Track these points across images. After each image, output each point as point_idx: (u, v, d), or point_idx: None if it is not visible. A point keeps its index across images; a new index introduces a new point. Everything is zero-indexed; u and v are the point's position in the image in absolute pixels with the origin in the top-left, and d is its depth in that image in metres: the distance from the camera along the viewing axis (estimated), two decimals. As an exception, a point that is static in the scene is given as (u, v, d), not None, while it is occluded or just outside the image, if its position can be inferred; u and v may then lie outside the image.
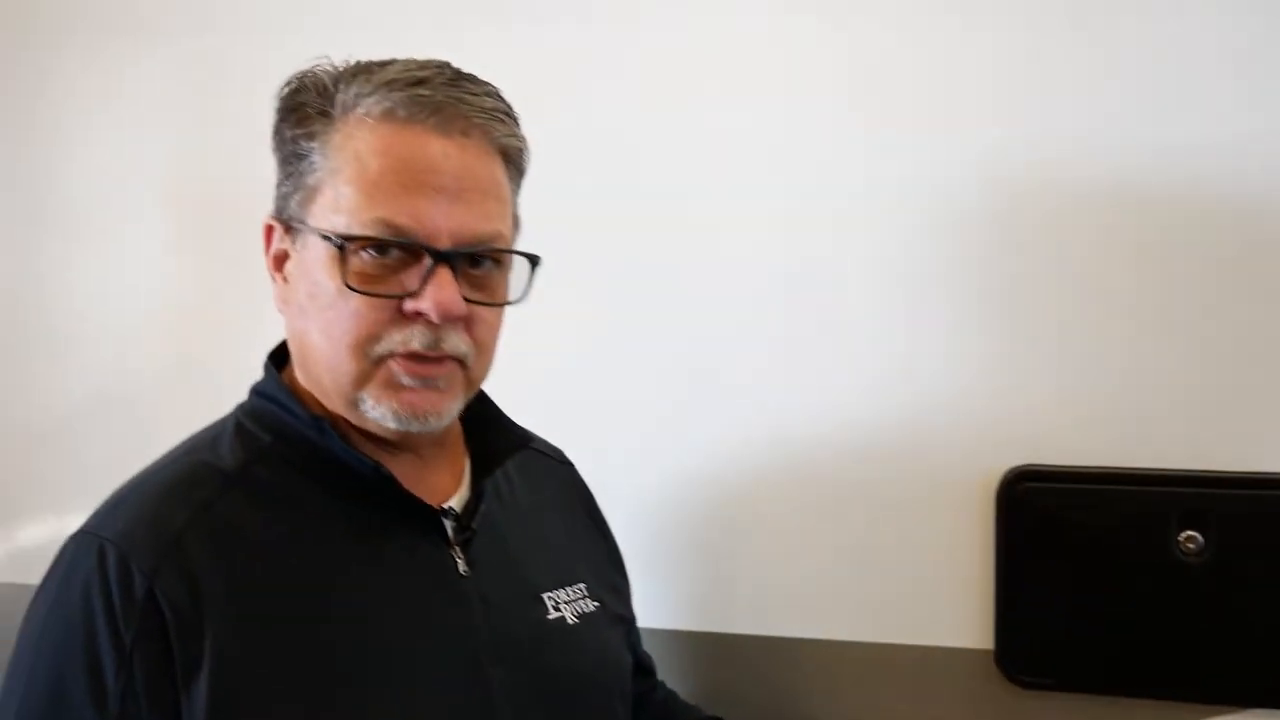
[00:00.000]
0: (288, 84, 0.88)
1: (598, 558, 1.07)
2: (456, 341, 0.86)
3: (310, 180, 0.85)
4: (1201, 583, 1.13)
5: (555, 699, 0.93)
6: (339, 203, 0.83)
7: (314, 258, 0.85)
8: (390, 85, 0.84)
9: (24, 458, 1.56)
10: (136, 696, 0.78)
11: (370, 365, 0.85)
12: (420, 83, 0.83)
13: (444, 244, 0.84)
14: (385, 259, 0.84)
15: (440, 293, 0.83)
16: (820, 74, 1.24)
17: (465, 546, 0.92)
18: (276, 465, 0.88)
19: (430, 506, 0.90)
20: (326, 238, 0.83)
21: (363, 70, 0.86)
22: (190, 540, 0.82)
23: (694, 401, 1.28)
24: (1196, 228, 1.14)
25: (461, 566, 0.91)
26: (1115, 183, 1.15)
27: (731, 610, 1.28)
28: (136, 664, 0.78)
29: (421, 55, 0.88)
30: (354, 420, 0.89)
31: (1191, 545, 1.13)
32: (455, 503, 0.95)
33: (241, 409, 0.93)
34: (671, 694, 1.19)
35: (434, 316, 0.84)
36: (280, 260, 0.89)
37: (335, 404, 0.89)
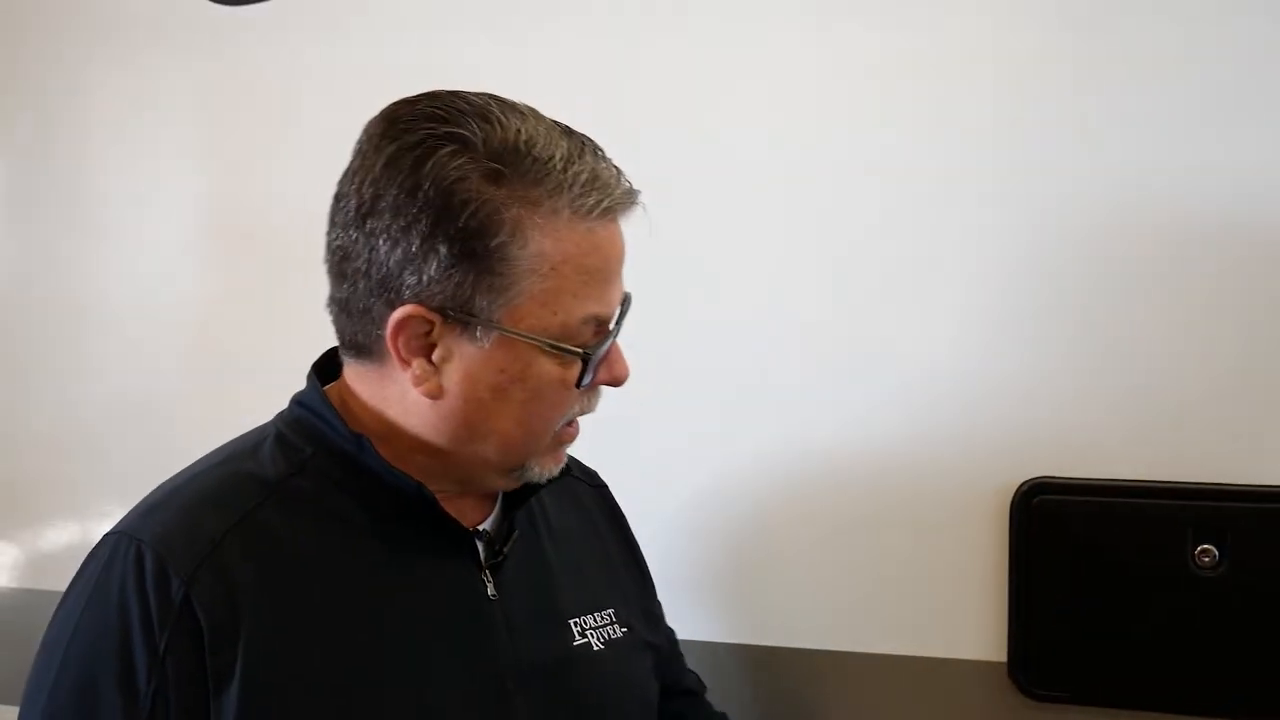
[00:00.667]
0: (435, 177, 0.82)
1: (628, 582, 1.08)
2: None
3: (504, 282, 0.83)
4: (1217, 596, 1.13)
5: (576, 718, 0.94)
6: (553, 307, 0.84)
7: (514, 356, 0.85)
8: (583, 184, 0.84)
9: (48, 463, 1.58)
10: (166, 701, 0.79)
11: (554, 439, 0.91)
12: (597, 176, 0.85)
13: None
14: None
15: (624, 365, 0.91)
16: (856, 78, 1.24)
17: (495, 569, 0.93)
18: (316, 478, 0.89)
19: (464, 528, 0.91)
20: (556, 347, 0.85)
21: (529, 160, 0.83)
22: (228, 549, 0.83)
23: (716, 420, 1.29)
24: (1213, 243, 1.14)
25: (490, 589, 0.92)
26: (1134, 199, 1.15)
27: (751, 622, 1.29)
28: (169, 668, 0.79)
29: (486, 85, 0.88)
30: (490, 482, 0.93)
31: (1207, 559, 1.13)
32: (488, 525, 0.95)
33: (282, 418, 0.94)
34: (723, 718, 1.17)
35: (620, 384, 0.91)
36: (425, 349, 0.85)
37: (478, 470, 0.91)
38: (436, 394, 0.86)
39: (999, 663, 1.20)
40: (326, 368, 0.95)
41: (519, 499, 0.96)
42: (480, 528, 0.94)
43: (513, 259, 0.82)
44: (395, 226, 0.82)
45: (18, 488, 1.60)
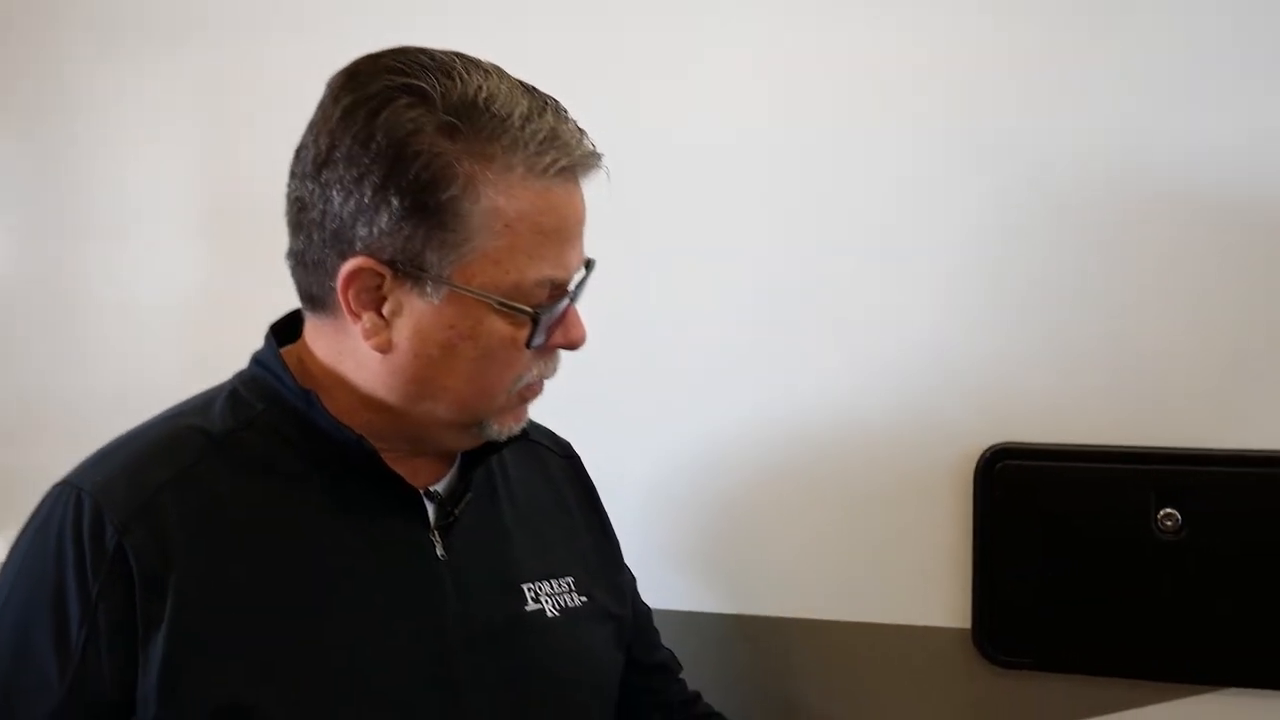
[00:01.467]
0: (388, 128, 0.81)
1: (593, 554, 1.06)
2: None
3: (456, 237, 0.82)
4: (1179, 560, 1.13)
5: (523, 688, 0.92)
6: (505, 265, 0.83)
7: (465, 313, 0.84)
8: (540, 141, 0.82)
9: (49, 458, 1.57)
10: (97, 647, 0.80)
11: (510, 399, 0.90)
12: (556, 135, 0.83)
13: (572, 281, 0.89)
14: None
15: (580, 328, 0.91)
16: (822, 64, 1.24)
17: (446, 531, 0.92)
18: (264, 433, 0.88)
19: (411, 486, 0.90)
20: (508, 305, 0.84)
21: (487, 115, 0.82)
22: (166, 500, 0.83)
23: (685, 392, 1.29)
24: (1170, 210, 1.13)
25: (439, 549, 0.91)
26: (1091, 169, 1.15)
27: (718, 590, 1.29)
28: (100, 614, 0.80)
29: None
30: (449, 440, 0.92)
31: (1169, 523, 1.13)
32: (441, 487, 0.94)
33: (239, 376, 0.94)
34: (696, 699, 1.16)
35: (576, 349, 0.91)
36: (375, 302, 0.85)
37: (435, 429, 0.90)
38: (386, 348, 0.85)
39: (964, 629, 1.20)
40: (291, 329, 0.94)
41: (477, 459, 0.95)
42: (432, 488, 0.93)
43: (465, 214, 0.82)
44: (348, 177, 0.82)
45: (18, 480, 1.60)
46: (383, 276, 0.83)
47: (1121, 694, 1.16)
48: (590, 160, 0.86)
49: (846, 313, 1.23)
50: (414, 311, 0.84)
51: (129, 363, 1.55)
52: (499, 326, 0.85)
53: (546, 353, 0.90)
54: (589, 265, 0.91)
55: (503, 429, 0.91)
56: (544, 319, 0.86)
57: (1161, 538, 1.13)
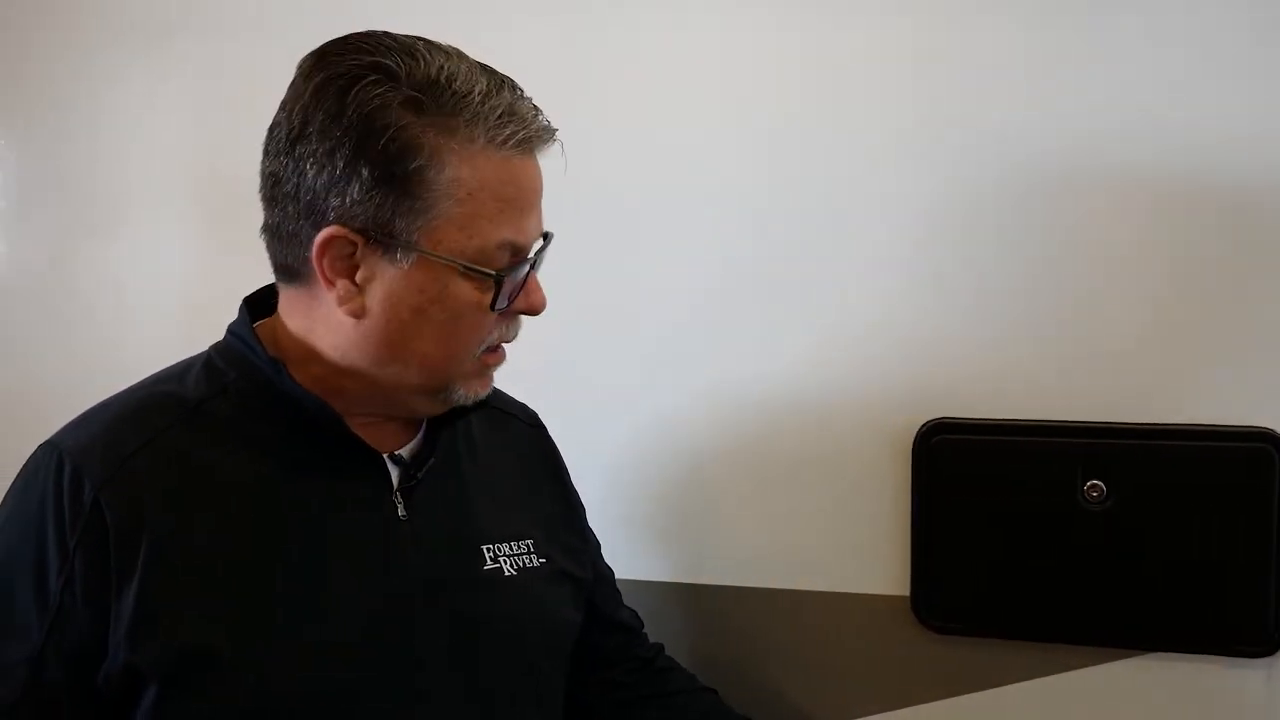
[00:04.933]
0: (358, 104, 0.87)
1: (554, 518, 1.11)
2: None
3: (423, 205, 0.88)
4: (1105, 529, 1.18)
5: (478, 644, 0.98)
6: (469, 231, 0.89)
7: (433, 278, 0.90)
8: (499, 116, 0.89)
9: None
10: (74, 594, 0.86)
11: (475, 363, 0.96)
12: (514, 110, 0.90)
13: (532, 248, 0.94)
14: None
15: (540, 293, 0.97)
16: (783, 40, 1.29)
17: (409, 493, 0.98)
18: (235, 401, 0.94)
19: (374, 450, 0.96)
20: (474, 270, 0.90)
21: (449, 92, 0.88)
22: (140, 462, 0.89)
23: (637, 368, 1.35)
24: (1103, 192, 1.18)
25: (400, 510, 0.96)
26: (1036, 152, 1.20)
27: (664, 560, 1.35)
28: (77, 565, 0.86)
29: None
30: (417, 405, 0.97)
31: (1095, 494, 1.18)
32: (406, 451, 1.00)
33: (215, 346, 1.00)
34: (658, 654, 1.22)
35: (537, 313, 0.97)
36: (349, 269, 0.90)
37: (403, 394, 0.95)
38: (360, 314, 0.91)
39: (903, 597, 1.25)
40: (267, 304, 1.00)
41: (443, 424, 1.01)
42: (397, 452, 0.99)
43: (430, 183, 0.88)
44: (321, 151, 0.88)
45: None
46: (355, 244, 0.89)
47: (1055, 658, 1.21)
48: (545, 134, 0.93)
49: (795, 290, 1.28)
50: (385, 277, 0.90)
51: (125, 352, 1.58)
52: (465, 290, 0.91)
53: (508, 317, 0.96)
54: (547, 237, 0.97)
55: (468, 393, 0.97)
56: (507, 282, 0.92)
57: (1088, 507, 1.18)
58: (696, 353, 1.32)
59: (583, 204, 1.34)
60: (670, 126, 1.33)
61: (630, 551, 1.34)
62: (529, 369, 1.24)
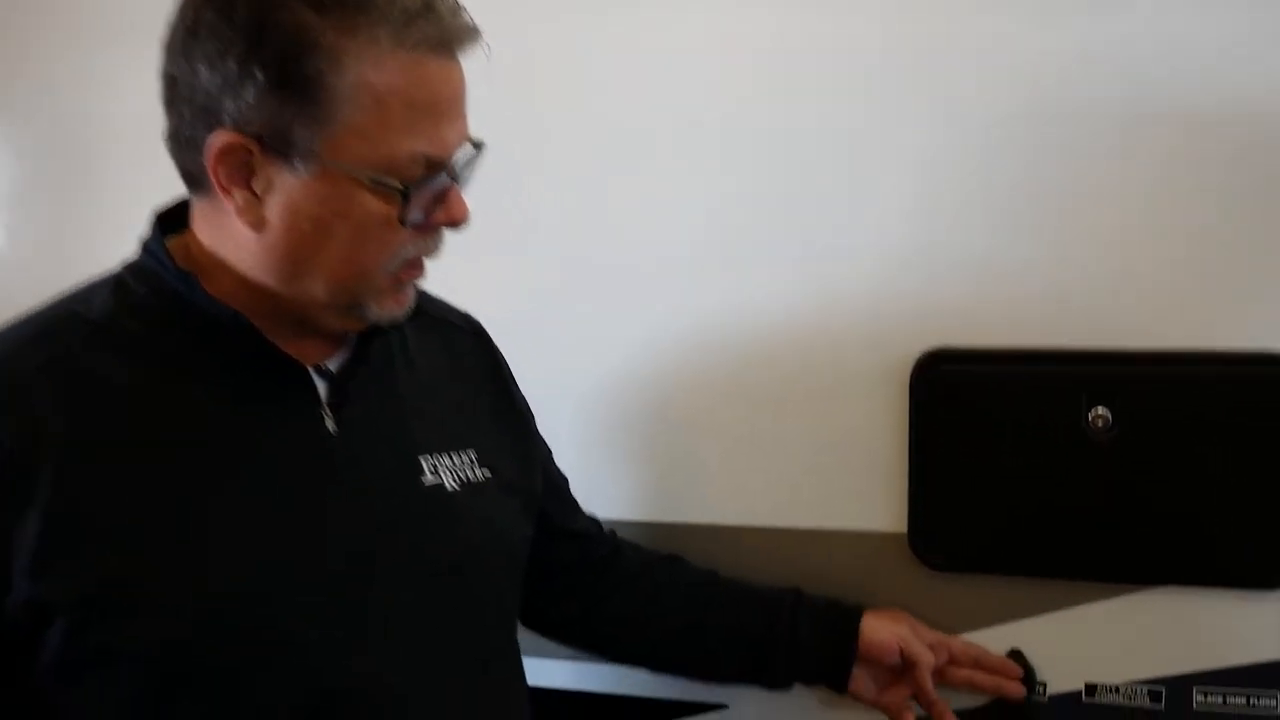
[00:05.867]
0: (250, 1, 0.81)
1: (501, 428, 1.06)
2: None
3: (325, 112, 0.82)
4: (1111, 459, 1.13)
5: (421, 562, 0.93)
6: (375, 141, 0.83)
7: (336, 189, 0.84)
8: (409, 13, 0.82)
9: None
10: None
11: (388, 279, 0.89)
12: (429, 7, 0.83)
13: (453, 160, 0.88)
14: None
15: (461, 207, 0.89)
16: None
17: (338, 407, 0.92)
18: (146, 317, 0.89)
19: (297, 363, 0.91)
20: (380, 183, 0.84)
21: None
22: (40, 384, 0.83)
23: (616, 297, 1.29)
24: (1106, 115, 1.13)
25: (330, 425, 0.91)
26: (1037, 78, 1.15)
27: (657, 499, 1.29)
28: None
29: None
30: (331, 322, 0.91)
31: (1100, 423, 1.13)
32: (333, 364, 0.94)
33: (126, 263, 0.94)
34: (617, 550, 1.19)
35: (459, 229, 0.90)
36: (246, 178, 0.85)
37: (315, 311, 0.89)
38: (259, 226, 0.85)
39: (900, 533, 1.20)
40: (172, 217, 0.94)
41: (373, 334, 0.95)
42: (325, 365, 0.93)
43: (330, 88, 0.81)
44: (213, 50, 0.82)
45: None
46: (251, 151, 0.83)
47: (1058, 594, 1.17)
48: (464, 34, 0.85)
49: (785, 213, 1.23)
50: (285, 187, 0.84)
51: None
52: (371, 203, 0.84)
53: (427, 231, 0.89)
54: (478, 147, 0.90)
55: (384, 311, 0.91)
56: (416, 196, 0.85)
57: (1092, 436, 1.13)
58: (682, 279, 1.27)
59: (565, 124, 1.29)
60: (658, 48, 1.27)
61: (612, 491, 1.29)
62: (501, 301, 1.21)
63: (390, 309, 0.91)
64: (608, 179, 1.29)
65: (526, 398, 1.14)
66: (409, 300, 0.93)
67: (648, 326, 1.28)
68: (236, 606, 0.84)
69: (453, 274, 1.00)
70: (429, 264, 0.93)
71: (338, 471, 0.90)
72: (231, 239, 0.88)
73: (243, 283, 0.89)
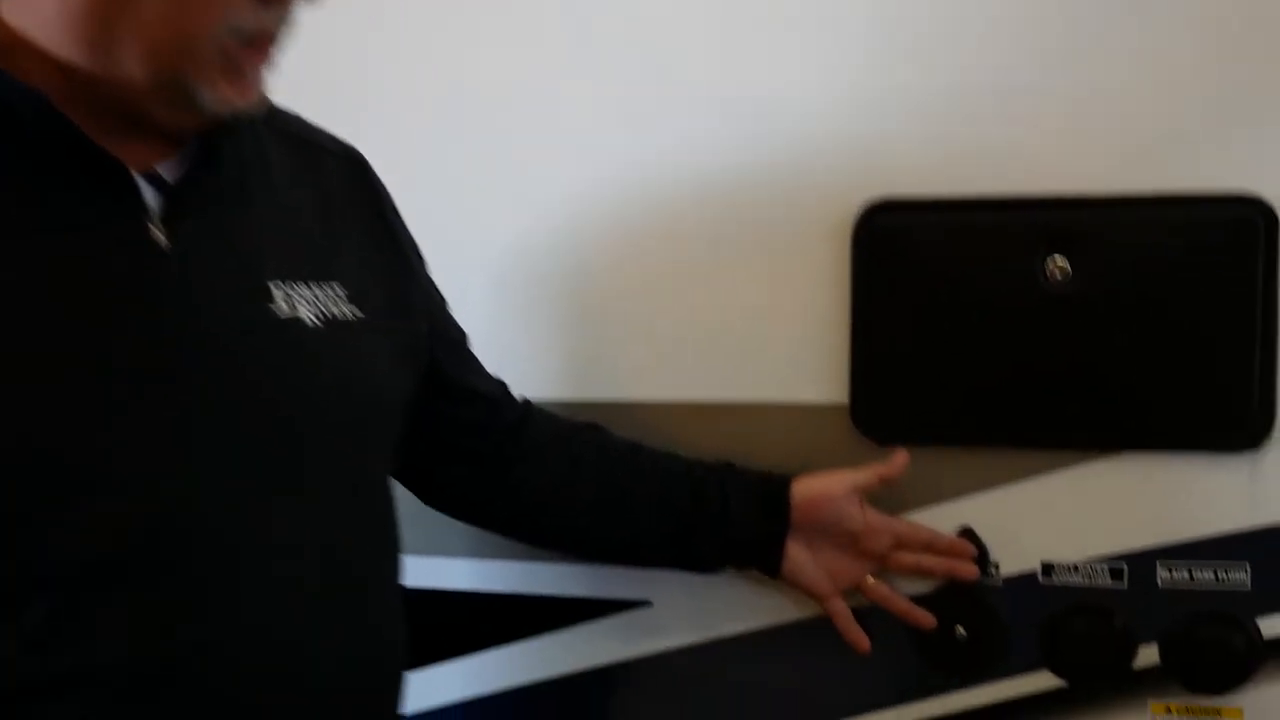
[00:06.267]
0: None
1: (373, 261, 0.94)
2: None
3: None
4: (1069, 315, 1.04)
5: (270, 407, 0.81)
6: None
7: None
8: None
9: None
10: None
11: (217, 52, 0.75)
12: None
13: None
14: None
15: None
16: None
17: (173, 223, 0.79)
18: None
19: (114, 159, 0.77)
20: None
21: None
22: None
23: (537, 150, 1.17)
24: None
25: (161, 241, 0.78)
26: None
27: (574, 375, 1.18)
28: None
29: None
30: (156, 110, 0.77)
31: (1059, 274, 1.04)
32: (170, 171, 0.81)
33: None
34: (527, 415, 1.09)
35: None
36: None
37: (137, 97, 0.76)
38: None
39: (841, 405, 1.10)
40: None
41: (221, 139, 0.82)
42: (157, 170, 0.80)
43: None
44: None
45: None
46: None
47: (1016, 464, 1.07)
48: None
49: (710, 56, 1.12)
50: None
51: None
52: None
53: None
54: None
55: (216, 96, 0.77)
56: None
57: (1051, 289, 1.04)
58: (600, 127, 1.15)
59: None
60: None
61: (526, 366, 1.16)
62: (407, 170, 1.07)
63: (225, 95, 0.77)
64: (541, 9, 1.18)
65: (429, 264, 1.03)
66: (253, 91, 0.79)
67: (564, 182, 1.16)
68: (44, 455, 0.72)
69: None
70: (279, 51, 0.80)
71: (167, 293, 0.77)
72: (32, 4, 0.74)
73: (52, 64, 0.75)
